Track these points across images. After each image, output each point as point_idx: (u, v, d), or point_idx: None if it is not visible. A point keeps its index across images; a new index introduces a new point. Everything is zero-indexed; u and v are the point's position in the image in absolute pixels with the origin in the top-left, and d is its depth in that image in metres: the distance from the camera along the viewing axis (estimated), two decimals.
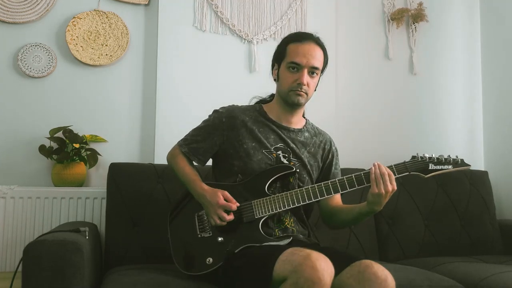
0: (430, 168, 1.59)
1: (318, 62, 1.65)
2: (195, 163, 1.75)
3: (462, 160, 1.62)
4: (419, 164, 1.59)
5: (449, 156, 1.61)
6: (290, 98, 1.66)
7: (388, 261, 2.25)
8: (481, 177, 2.68)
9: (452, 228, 2.49)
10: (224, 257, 1.54)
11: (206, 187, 1.63)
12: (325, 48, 1.70)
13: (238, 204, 1.57)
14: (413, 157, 1.61)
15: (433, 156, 1.60)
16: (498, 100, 2.90)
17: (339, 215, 1.71)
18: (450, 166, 1.60)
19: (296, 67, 1.64)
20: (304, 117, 1.81)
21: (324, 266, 1.27)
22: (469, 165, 1.63)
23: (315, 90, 1.72)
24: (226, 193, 1.58)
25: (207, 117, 1.76)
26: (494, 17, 2.96)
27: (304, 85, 1.63)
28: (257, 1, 2.65)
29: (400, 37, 2.92)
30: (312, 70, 1.65)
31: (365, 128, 2.81)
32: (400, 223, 2.42)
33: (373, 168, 1.53)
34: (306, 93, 1.66)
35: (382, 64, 2.88)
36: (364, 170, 2.48)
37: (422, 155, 1.60)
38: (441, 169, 1.60)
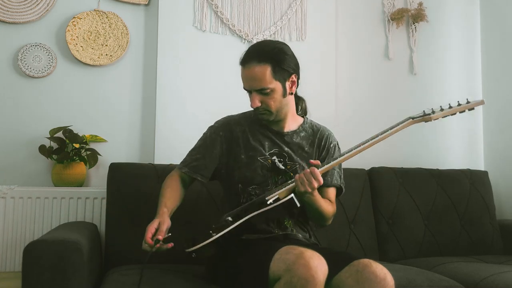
0: (436, 113, 1.57)
1: (260, 82, 1.59)
2: (200, 179, 1.72)
3: (467, 100, 1.59)
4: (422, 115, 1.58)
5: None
6: (259, 117, 1.69)
7: (388, 261, 2.25)
8: (481, 177, 2.68)
9: (452, 228, 2.49)
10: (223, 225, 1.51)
11: (161, 212, 1.58)
12: (273, 55, 1.60)
13: (160, 237, 1.48)
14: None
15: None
16: (498, 100, 2.90)
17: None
18: (457, 107, 1.57)
19: (247, 91, 1.66)
20: (303, 116, 1.80)
21: (318, 264, 1.27)
22: (482, 101, 1.58)
23: (291, 94, 1.67)
24: (162, 226, 1.51)
25: (202, 135, 1.77)
26: (494, 17, 2.96)
27: (258, 106, 1.62)
28: (257, 1, 2.65)
29: (400, 37, 2.92)
30: (261, 91, 1.61)
31: (365, 128, 2.78)
32: (400, 223, 2.42)
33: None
34: (268, 110, 1.64)
35: (382, 64, 2.88)
36: (363, 170, 2.50)
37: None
38: (449, 108, 1.57)
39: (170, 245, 1.48)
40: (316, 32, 2.72)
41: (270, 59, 1.60)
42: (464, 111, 1.60)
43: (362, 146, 1.54)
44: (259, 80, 1.59)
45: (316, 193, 1.55)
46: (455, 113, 1.61)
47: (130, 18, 2.53)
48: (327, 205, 1.64)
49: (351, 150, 1.55)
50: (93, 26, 2.46)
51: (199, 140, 1.77)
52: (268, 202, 1.52)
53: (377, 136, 1.55)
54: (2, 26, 2.37)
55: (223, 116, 1.80)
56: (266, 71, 1.59)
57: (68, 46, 2.41)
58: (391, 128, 1.57)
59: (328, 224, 1.72)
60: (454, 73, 2.97)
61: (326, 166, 1.55)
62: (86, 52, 2.44)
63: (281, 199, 1.51)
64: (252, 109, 1.67)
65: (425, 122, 1.60)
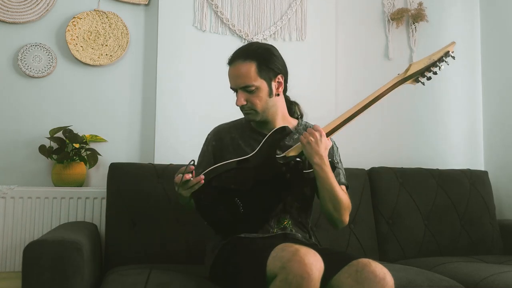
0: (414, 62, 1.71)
1: (244, 79, 1.60)
2: None
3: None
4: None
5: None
6: (245, 117, 1.70)
7: (388, 261, 2.25)
8: (481, 177, 2.67)
9: (452, 228, 2.49)
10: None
11: None
12: (259, 54, 1.62)
13: (192, 167, 1.51)
14: None
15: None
16: (498, 100, 2.90)
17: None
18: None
19: (234, 91, 1.66)
20: (298, 118, 1.80)
21: (313, 261, 1.27)
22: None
23: (277, 95, 1.66)
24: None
25: (201, 150, 1.79)
26: (494, 17, 2.96)
27: (243, 104, 1.63)
28: (257, 1, 2.65)
29: (400, 37, 2.92)
30: (246, 89, 1.62)
31: (364, 128, 2.81)
32: (400, 223, 2.42)
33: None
34: (254, 109, 1.64)
35: (382, 64, 2.88)
36: (363, 170, 2.50)
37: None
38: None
39: (202, 177, 1.49)
40: (316, 32, 2.72)
41: (256, 57, 1.62)
42: (442, 59, 1.74)
43: (359, 104, 1.73)
44: (243, 77, 1.61)
45: (327, 162, 1.55)
46: (434, 63, 1.73)
47: (130, 18, 2.53)
48: (341, 191, 1.61)
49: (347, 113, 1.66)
50: (93, 26, 2.46)
51: (199, 157, 1.78)
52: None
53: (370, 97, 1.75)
54: (2, 26, 2.37)
55: (217, 125, 1.81)
56: (251, 68, 1.60)
57: (68, 46, 2.41)
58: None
59: (345, 221, 1.64)
60: (454, 73, 2.97)
61: (328, 124, 1.60)
62: (86, 52, 2.44)
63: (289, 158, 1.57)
64: (239, 109, 1.67)
65: (416, 81, 1.77)
